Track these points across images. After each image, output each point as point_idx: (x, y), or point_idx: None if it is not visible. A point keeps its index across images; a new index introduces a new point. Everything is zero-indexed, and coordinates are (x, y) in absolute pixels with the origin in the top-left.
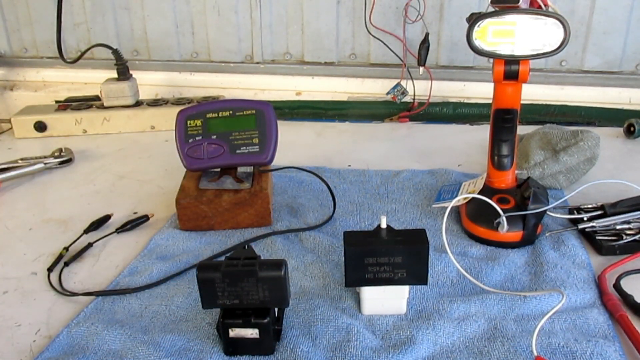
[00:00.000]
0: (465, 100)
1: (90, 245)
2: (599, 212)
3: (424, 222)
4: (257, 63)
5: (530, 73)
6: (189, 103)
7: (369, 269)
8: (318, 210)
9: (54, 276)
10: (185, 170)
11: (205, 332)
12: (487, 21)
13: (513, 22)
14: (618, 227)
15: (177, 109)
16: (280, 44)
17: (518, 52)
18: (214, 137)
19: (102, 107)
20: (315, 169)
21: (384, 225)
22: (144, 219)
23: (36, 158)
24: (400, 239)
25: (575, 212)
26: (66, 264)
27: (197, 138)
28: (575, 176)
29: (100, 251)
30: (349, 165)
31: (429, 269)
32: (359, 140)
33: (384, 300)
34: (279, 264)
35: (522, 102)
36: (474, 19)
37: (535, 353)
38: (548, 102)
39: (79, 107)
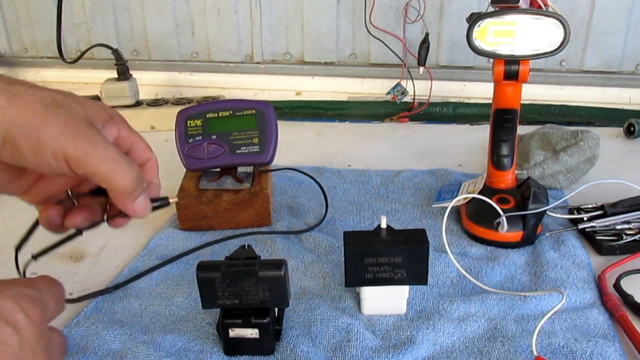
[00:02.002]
0: (465, 100)
1: (79, 232)
2: (599, 212)
3: (424, 222)
4: (257, 63)
5: (530, 73)
6: (189, 103)
7: (369, 269)
8: (318, 210)
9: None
10: (185, 170)
11: (205, 332)
12: (487, 21)
13: (513, 22)
14: (618, 227)
15: (177, 109)
16: (280, 44)
17: (518, 52)
18: (214, 137)
19: None
20: (315, 169)
21: (384, 225)
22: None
23: None
24: (400, 239)
25: (575, 212)
26: (34, 258)
27: (197, 138)
28: (575, 176)
29: (100, 251)
30: (349, 165)
31: (429, 269)
32: (359, 140)
33: (384, 300)
34: (279, 264)
35: (522, 102)
36: (474, 19)
37: (535, 353)
38: (548, 102)
39: None
